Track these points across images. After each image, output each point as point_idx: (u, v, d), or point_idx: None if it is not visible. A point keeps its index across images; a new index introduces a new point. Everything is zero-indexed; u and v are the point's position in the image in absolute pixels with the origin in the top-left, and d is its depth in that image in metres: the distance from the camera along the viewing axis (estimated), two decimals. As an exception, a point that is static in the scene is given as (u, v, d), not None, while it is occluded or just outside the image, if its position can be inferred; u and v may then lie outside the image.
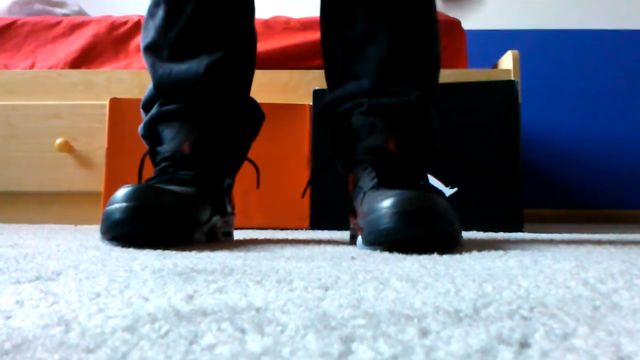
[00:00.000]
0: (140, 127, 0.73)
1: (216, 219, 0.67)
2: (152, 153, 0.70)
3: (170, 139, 0.68)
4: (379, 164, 0.65)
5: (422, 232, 0.52)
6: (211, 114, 0.70)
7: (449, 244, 0.54)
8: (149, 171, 0.71)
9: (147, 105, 0.73)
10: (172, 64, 0.70)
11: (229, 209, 0.72)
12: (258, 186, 0.80)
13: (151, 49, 0.72)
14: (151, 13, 0.73)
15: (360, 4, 0.70)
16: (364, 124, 0.68)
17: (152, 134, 0.71)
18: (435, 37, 0.72)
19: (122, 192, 0.56)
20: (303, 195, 0.75)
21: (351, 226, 0.72)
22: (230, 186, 0.73)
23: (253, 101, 0.76)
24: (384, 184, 0.62)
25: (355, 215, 0.67)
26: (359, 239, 0.60)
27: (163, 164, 0.67)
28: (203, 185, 0.65)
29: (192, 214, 0.60)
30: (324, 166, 0.72)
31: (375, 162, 0.65)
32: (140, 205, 0.54)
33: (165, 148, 0.68)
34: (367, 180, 0.64)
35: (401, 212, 0.52)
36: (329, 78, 0.76)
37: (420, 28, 0.71)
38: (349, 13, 0.71)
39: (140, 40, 0.74)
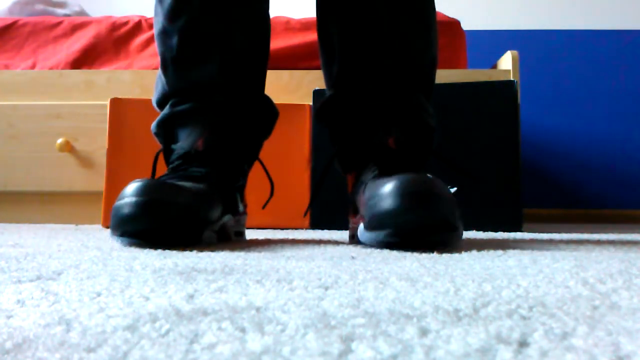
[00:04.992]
0: (153, 125, 0.72)
1: (227, 217, 0.67)
2: (166, 151, 0.70)
3: (185, 137, 0.68)
4: (379, 158, 0.65)
5: (424, 215, 0.52)
6: (226, 113, 0.70)
7: (451, 227, 0.54)
8: (161, 169, 0.71)
9: (161, 103, 0.72)
10: (184, 63, 0.69)
11: (241, 208, 0.71)
12: (264, 207, 0.80)
13: (163, 34, 0.70)
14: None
15: None
16: (363, 123, 0.68)
17: (166, 132, 0.70)
18: (434, 37, 0.72)
19: (132, 186, 0.55)
20: (305, 214, 0.76)
21: (350, 225, 0.72)
22: (243, 186, 0.73)
23: (267, 99, 0.75)
24: (384, 173, 0.61)
25: (355, 213, 0.67)
26: (361, 227, 0.59)
27: (176, 162, 0.66)
28: (215, 182, 0.64)
29: (202, 210, 0.59)
30: (323, 180, 0.72)
31: (376, 157, 0.65)
32: (149, 200, 0.54)
33: (180, 145, 0.68)
34: (367, 173, 0.64)
35: (403, 193, 0.52)
36: (326, 71, 0.75)
37: (421, 28, 0.71)
38: (347, 6, 0.70)
39: (153, 25, 0.73)
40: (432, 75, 0.73)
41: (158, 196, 0.54)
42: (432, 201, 0.52)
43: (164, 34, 0.70)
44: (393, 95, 0.69)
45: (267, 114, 0.75)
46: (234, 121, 0.70)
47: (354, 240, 0.69)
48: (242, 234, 0.74)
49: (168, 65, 0.70)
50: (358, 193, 0.64)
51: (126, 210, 0.54)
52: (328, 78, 0.75)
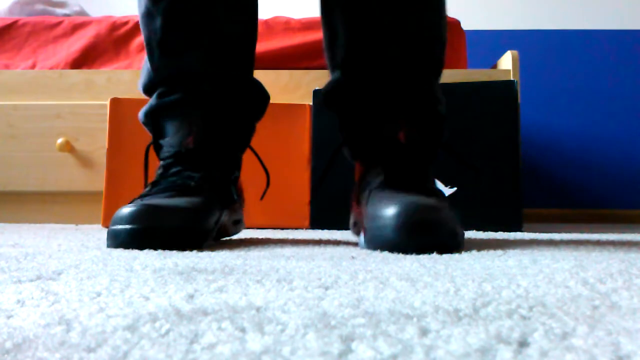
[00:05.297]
0: (140, 114, 0.71)
1: (224, 214, 0.66)
2: (156, 145, 0.69)
3: (174, 132, 0.66)
4: (387, 158, 0.64)
5: (423, 242, 0.53)
6: (215, 104, 0.68)
7: (449, 250, 0.55)
8: (154, 163, 0.71)
9: (148, 89, 0.71)
10: (170, 49, 0.67)
11: (235, 197, 0.70)
12: (262, 198, 0.79)
13: (146, 16, 0.68)
14: None
15: None
16: (375, 111, 0.67)
17: (154, 125, 0.69)
18: (444, 17, 0.70)
19: (126, 211, 0.55)
20: (311, 199, 0.75)
21: (353, 213, 0.70)
22: (237, 178, 0.72)
23: (257, 83, 0.73)
24: (390, 183, 0.62)
25: (358, 204, 0.66)
26: (362, 238, 0.60)
27: (168, 161, 0.65)
28: (209, 187, 0.64)
29: (199, 227, 0.58)
30: (328, 171, 0.71)
31: (384, 156, 0.64)
32: (144, 228, 0.54)
33: (169, 142, 0.66)
34: (374, 175, 0.64)
35: (403, 223, 0.53)
36: (329, 50, 0.73)
37: (430, 9, 0.68)
38: None
39: (137, 7, 0.71)
40: (443, 56, 0.71)
41: (152, 224, 0.55)
42: (430, 230, 0.53)
43: (148, 15, 0.68)
44: (404, 81, 0.67)
45: (258, 97, 0.73)
46: (223, 112, 0.68)
47: (355, 228, 0.69)
48: (239, 221, 0.73)
49: (154, 49, 0.68)
50: (363, 193, 0.64)
51: (121, 238, 0.55)
52: (331, 58, 0.73)
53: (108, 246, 0.57)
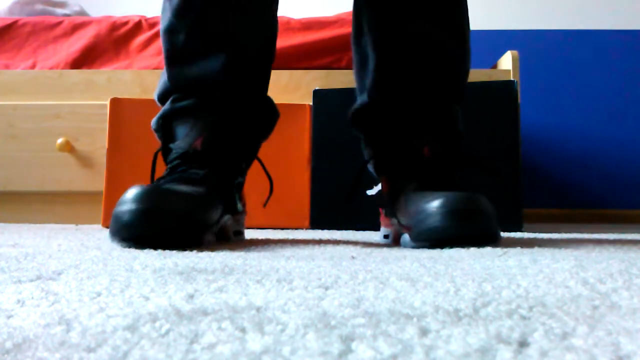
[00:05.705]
0: (153, 121, 0.72)
1: (226, 218, 0.67)
2: (165, 150, 0.70)
3: (184, 135, 0.68)
4: (417, 169, 0.68)
5: (470, 229, 0.56)
6: (226, 111, 0.69)
7: (492, 240, 0.58)
8: (161, 169, 0.71)
9: (162, 98, 0.72)
10: (188, 59, 0.69)
11: (239, 207, 0.71)
12: (265, 205, 0.80)
13: (169, 32, 0.70)
14: None
15: (397, 6, 0.72)
16: (401, 132, 0.71)
17: (165, 130, 0.70)
18: (468, 49, 0.74)
19: (131, 193, 0.55)
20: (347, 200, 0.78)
21: (384, 227, 0.76)
22: (241, 185, 0.72)
23: (269, 100, 0.76)
24: (425, 187, 0.65)
25: (389, 216, 0.70)
26: (405, 237, 0.63)
27: (175, 162, 0.66)
28: (213, 184, 0.64)
29: (201, 215, 0.59)
30: (357, 186, 0.75)
31: (413, 167, 0.68)
32: (148, 208, 0.54)
33: (178, 144, 0.67)
34: (406, 184, 0.67)
35: (450, 211, 0.56)
36: (358, 75, 0.77)
37: (453, 34, 0.73)
38: (385, 14, 0.72)
39: (160, 22, 0.73)
40: (465, 85, 0.76)
41: (157, 204, 0.55)
42: (475, 217, 0.57)
43: (171, 30, 0.70)
44: (430, 108, 0.72)
45: (268, 114, 0.75)
46: (234, 120, 0.70)
47: (397, 242, 0.72)
48: (241, 233, 0.74)
49: (172, 60, 0.70)
50: (398, 201, 0.67)
51: (126, 218, 0.54)
52: (360, 81, 0.77)
53: (111, 230, 0.56)
